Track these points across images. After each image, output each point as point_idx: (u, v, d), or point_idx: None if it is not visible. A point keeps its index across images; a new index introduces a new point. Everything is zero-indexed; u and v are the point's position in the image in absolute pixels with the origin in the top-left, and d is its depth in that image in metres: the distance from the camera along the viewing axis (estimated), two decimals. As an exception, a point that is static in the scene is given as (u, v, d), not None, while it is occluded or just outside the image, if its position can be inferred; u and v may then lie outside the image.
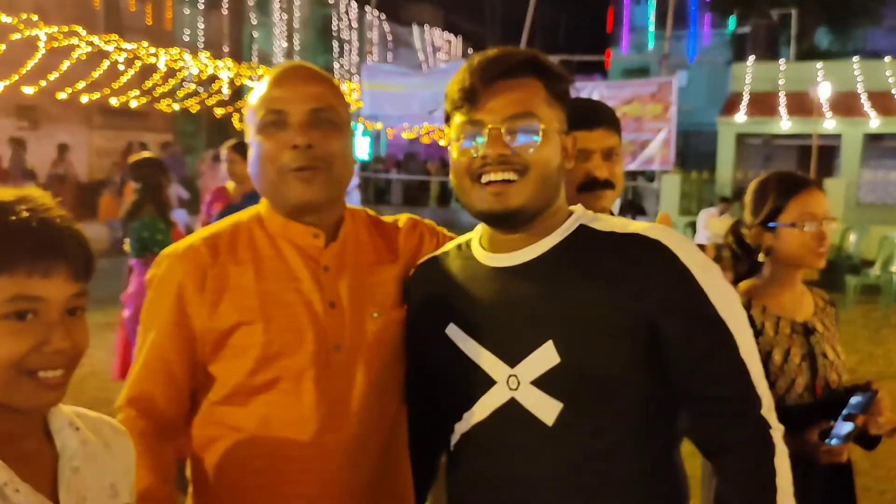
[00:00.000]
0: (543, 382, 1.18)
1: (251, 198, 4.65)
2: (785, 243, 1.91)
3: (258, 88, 1.40)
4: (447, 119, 1.31)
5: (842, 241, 11.63)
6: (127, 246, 4.10)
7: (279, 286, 1.34)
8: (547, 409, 1.18)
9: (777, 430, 1.22)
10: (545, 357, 1.18)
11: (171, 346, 1.35)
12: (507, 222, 1.26)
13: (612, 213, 1.79)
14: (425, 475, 1.49)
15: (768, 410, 1.22)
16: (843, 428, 1.76)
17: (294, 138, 1.31)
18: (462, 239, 1.42)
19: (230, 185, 4.80)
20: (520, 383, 1.20)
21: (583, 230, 1.29)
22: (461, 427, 1.27)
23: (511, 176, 1.22)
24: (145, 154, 4.54)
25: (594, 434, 1.18)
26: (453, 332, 1.28)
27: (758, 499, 1.18)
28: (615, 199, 1.86)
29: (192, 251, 1.37)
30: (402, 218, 1.55)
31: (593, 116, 1.76)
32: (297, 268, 1.36)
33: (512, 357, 1.21)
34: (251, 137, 1.39)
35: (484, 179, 1.23)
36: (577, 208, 1.34)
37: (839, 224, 13.02)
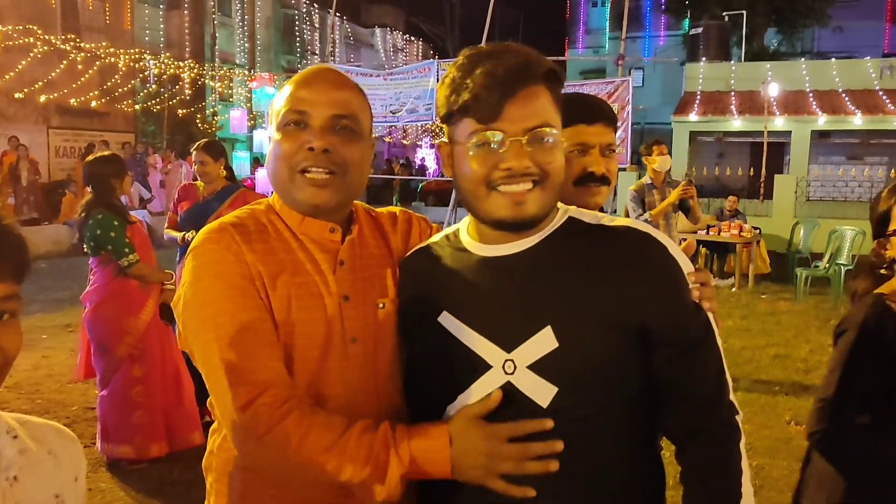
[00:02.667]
0: (540, 367, 1.21)
1: (218, 197, 4.82)
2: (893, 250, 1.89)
3: (285, 88, 1.39)
4: (448, 118, 1.29)
5: (792, 235, 12.07)
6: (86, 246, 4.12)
7: (304, 278, 1.34)
8: (542, 392, 1.21)
9: (740, 415, 1.28)
10: (543, 342, 1.21)
11: (251, 311, 1.28)
12: (519, 228, 1.27)
13: (602, 210, 1.80)
14: None
15: (733, 394, 1.29)
16: None
17: (311, 140, 1.32)
18: (449, 230, 1.43)
19: (199, 183, 4.89)
20: (516, 367, 1.22)
21: (572, 222, 1.32)
22: (452, 410, 1.27)
23: (529, 186, 1.23)
24: (102, 153, 4.48)
25: (586, 417, 1.21)
26: (446, 319, 1.29)
27: (727, 481, 1.23)
28: (608, 195, 1.84)
29: (224, 231, 1.33)
30: (396, 210, 1.58)
31: (594, 111, 1.78)
32: (320, 261, 1.36)
33: (508, 342, 1.23)
34: (271, 134, 1.39)
35: (504, 189, 1.23)
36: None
37: (790, 218, 13.53)
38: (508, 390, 1.22)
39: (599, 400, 1.22)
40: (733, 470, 1.23)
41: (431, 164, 26.44)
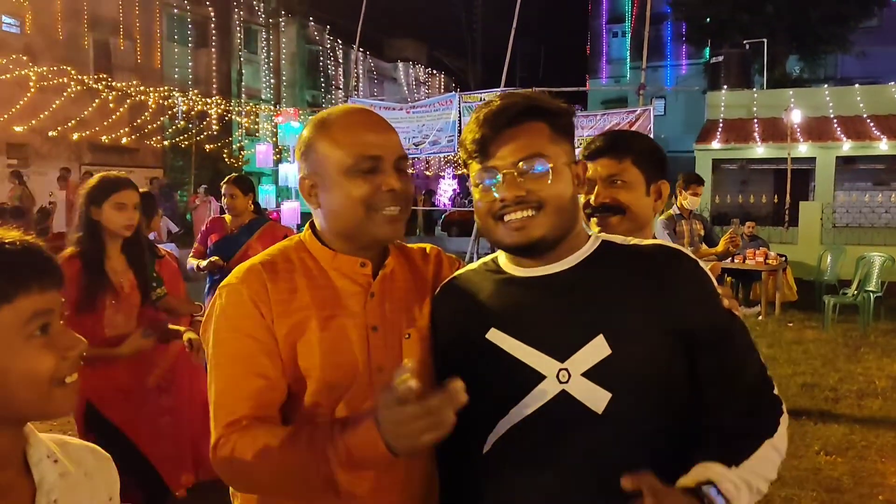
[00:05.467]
0: (594, 373, 1.27)
1: (247, 230, 4.92)
2: None
3: (335, 129, 1.43)
4: (465, 164, 1.43)
5: (819, 262, 11.93)
6: None
7: (331, 312, 1.40)
8: (597, 398, 1.26)
9: (784, 416, 1.32)
10: (597, 349, 1.27)
11: (260, 355, 1.37)
12: (531, 251, 1.36)
13: None
14: (451, 490, 1.49)
15: (777, 390, 1.36)
16: None
17: (391, 183, 1.41)
18: (487, 258, 1.52)
19: (227, 217, 5.01)
20: (570, 376, 1.28)
21: (606, 245, 1.41)
22: (506, 424, 1.31)
23: (529, 213, 1.33)
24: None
25: (639, 422, 1.27)
26: (495, 335, 1.34)
27: (760, 427, 1.29)
28: (628, 223, 1.86)
29: (252, 272, 1.42)
30: (427, 247, 1.65)
31: (597, 149, 1.90)
32: (348, 295, 1.43)
33: (562, 352, 1.29)
34: (332, 178, 1.41)
35: (506, 219, 1.34)
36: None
37: (816, 245, 13.39)
38: (563, 398, 1.28)
39: (651, 405, 1.29)
40: (773, 441, 1.28)
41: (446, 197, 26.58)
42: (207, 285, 4.94)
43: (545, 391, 1.29)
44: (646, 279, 1.32)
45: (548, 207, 1.33)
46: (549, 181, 1.33)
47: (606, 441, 1.26)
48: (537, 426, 1.29)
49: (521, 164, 1.32)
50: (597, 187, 1.87)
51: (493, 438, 1.34)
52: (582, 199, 1.89)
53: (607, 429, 1.26)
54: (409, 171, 1.55)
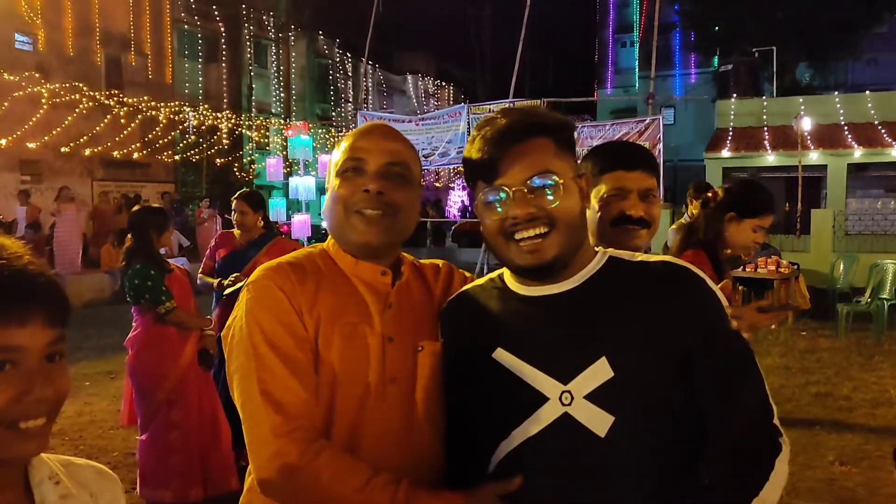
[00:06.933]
0: (597, 396, 1.25)
1: (256, 244, 4.93)
2: None
3: (343, 141, 1.52)
4: (468, 182, 1.42)
5: (832, 270, 11.84)
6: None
7: (352, 318, 1.41)
8: (599, 421, 1.24)
9: (785, 438, 1.30)
10: (599, 372, 1.26)
11: (295, 346, 1.35)
12: (543, 273, 1.34)
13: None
14: None
15: (776, 419, 1.32)
16: None
17: (367, 183, 1.42)
18: (493, 274, 1.50)
19: (236, 231, 5.02)
20: (573, 398, 1.26)
21: (613, 261, 1.39)
22: (507, 445, 1.30)
23: (542, 229, 1.31)
24: (149, 205, 4.63)
25: (642, 444, 1.25)
26: (501, 355, 1.33)
27: (748, 482, 1.25)
28: (649, 238, 1.89)
29: (280, 269, 1.43)
30: (439, 262, 1.65)
31: (633, 158, 1.89)
32: (369, 303, 1.44)
33: (564, 374, 1.28)
34: (330, 181, 1.50)
35: (517, 237, 1.32)
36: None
37: (828, 253, 13.29)
38: (566, 422, 1.26)
39: (655, 428, 1.26)
40: (759, 479, 1.25)
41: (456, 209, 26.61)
42: (215, 301, 4.95)
43: (548, 413, 1.27)
44: (651, 298, 1.31)
45: (559, 224, 1.32)
46: (560, 197, 1.32)
47: (609, 465, 1.25)
48: (540, 448, 1.27)
49: (529, 181, 1.31)
50: (632, 197, 1.84)
51: (496, 459, 1.33)
52: (602, 207, 1.88)
53: (610, 452, 1.25)
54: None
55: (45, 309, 0.96)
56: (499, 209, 1.33)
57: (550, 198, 1.32)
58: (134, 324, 4.28)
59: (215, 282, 4.85)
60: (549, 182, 1.31)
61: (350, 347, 1.39)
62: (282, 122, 23.45)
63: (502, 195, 1.32)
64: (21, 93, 15.68)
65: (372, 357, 1.40)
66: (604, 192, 1.87)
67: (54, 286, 1.00)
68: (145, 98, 18.64)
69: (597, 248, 1.42)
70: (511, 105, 13.10)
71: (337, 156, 1.50)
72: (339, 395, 1.38)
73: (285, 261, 1.46)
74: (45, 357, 0.96)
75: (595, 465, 1.25)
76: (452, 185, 25.94)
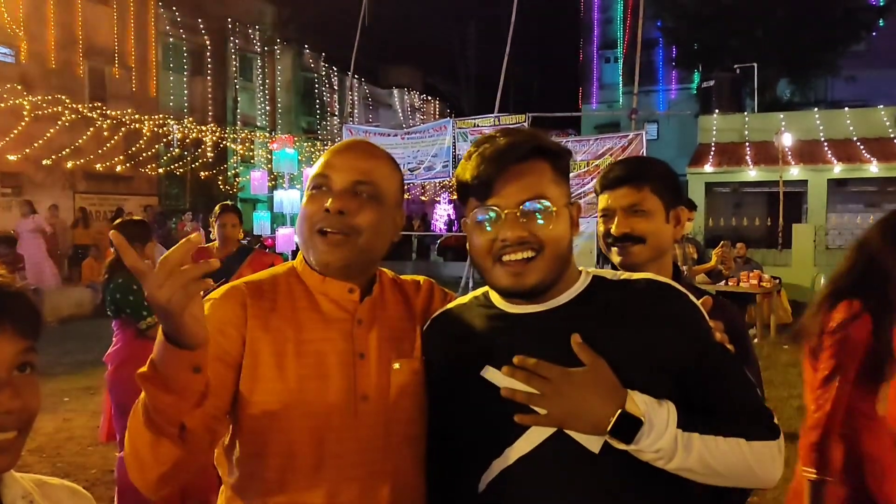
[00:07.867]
0: None
1: (237, 258, 4.91)
2: None
3: (322, 156, 1.51)
4: (460, 198, 1.42)
5: (813, 284, 11.97)
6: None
7: (313, 336, 1.40)
8: (593, 437, 1.24)
9: (780, 435, 1.31)
10: None
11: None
12: (524, 297, 1.35)
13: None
14: None
15: (776, 420, 1.33)
16: None
17: (329, 203, 1.39)
18: (477, 292, 1.49)
19: (213, 245, 5.00)
20: None
21: (597, 280, 1.40)
22: (500, 464, 1.29)
23: (529, 254, 1.31)
24: (131, 217, 4.65)
25: (636, 460, 1.24)
26: (491, 373, 1.32)
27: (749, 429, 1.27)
28: (651, 251, 1.85)
29: (234, 291, 1.42)
30: (420, 279, 1.63)
31: (616, 178, 1.87)
32: (333, 320, 1.42)
33: None
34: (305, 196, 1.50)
35: (505, 259, 1.32)
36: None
37: (809, 267, 13.42)
38: (559, 437, 1.26)
39: None
40: (749, 443, 1.26)
41: (441, 222, 26.65)
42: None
43: (541, 431, 1.27)
44: (635, 315, 1.32)
45: (547, 251, 1.32)
46: (551, 223, 1.33)
47: (603, 481, 1.25)
48: (533, 466, 1.27)
49: (524, 204, 1.31)
50: (617, 216, 1.84)
51: (487, 478, 1.32)
52: (601, 227, 1.91)
53: (604, 468, 1.25)
54: (405, 195, 1.54)
55: (14, 320, 0.96)
56: (488, 229, 1.34)
57: (542, 223, 1.32)
58: (114, 338, 4.24)
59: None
60: (541, 207, 1.32)
61: (304, 366, 1.37)
62: (267, 135, 23.42)
63: (493, 215, 1.33)
64: (3, 105, 15.55)
65: (335, 374, 1.38)
66: (598, 214, 1.91)
67: (23, 298, 1.00)
68: (129, 111, 18.54)
69: (580, 269, 1.43)
70: (496, 119, 13.17)
71: (313, 171, 1.49)
72: (303, 413, 1.35)
73: (241, 282, 1.46)
74: (14, 368, 0.96)
75: (589, 482, 1.25)
76: (438, 198, 25.98)
